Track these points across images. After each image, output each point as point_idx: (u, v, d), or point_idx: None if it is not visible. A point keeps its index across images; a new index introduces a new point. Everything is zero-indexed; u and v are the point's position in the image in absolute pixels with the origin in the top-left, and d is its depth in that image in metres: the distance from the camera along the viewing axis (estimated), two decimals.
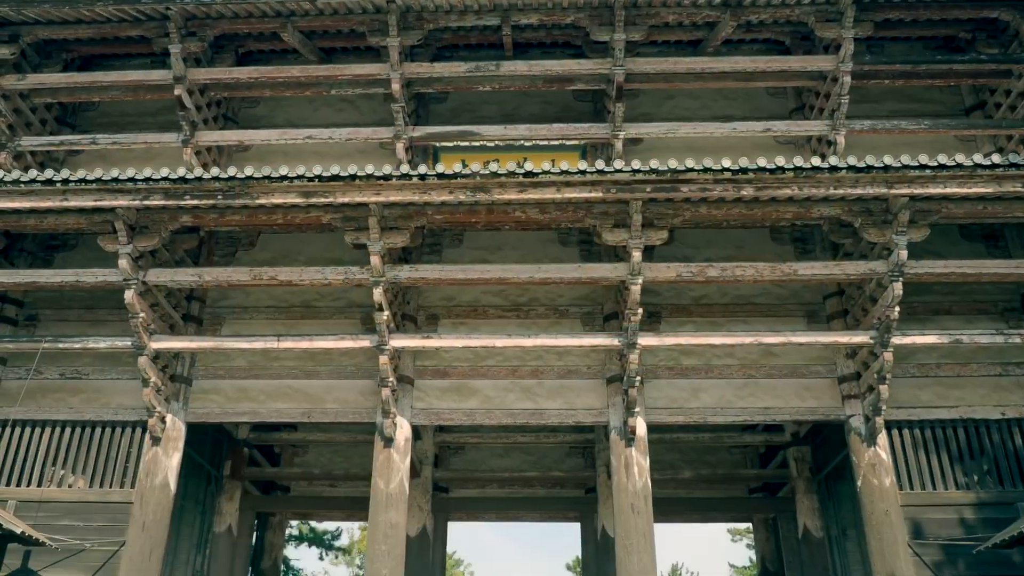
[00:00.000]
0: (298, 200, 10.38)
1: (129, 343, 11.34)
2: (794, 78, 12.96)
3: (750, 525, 31.55)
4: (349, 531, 27.46)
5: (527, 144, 12.93)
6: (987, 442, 11.52)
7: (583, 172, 10.03)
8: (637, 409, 11.33)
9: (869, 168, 9.89)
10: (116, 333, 12.01)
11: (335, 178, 10.15)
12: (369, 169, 10.12)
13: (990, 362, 11.96)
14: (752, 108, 13.85)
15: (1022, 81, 12.46)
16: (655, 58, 12.70)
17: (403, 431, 11.72)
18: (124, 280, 10.96)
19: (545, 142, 12.94)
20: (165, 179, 10.32)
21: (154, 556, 11.33)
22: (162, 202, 10.48)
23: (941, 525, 11.03)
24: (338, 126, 13.29)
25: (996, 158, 9.83)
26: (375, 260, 10.71)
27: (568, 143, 13.03)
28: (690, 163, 9.93)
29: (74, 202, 10.41)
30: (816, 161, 9.92)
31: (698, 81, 12.97)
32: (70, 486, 11.71)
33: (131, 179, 10.34)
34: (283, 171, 10.20)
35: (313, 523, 25.66)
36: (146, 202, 10.49)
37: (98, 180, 10.21)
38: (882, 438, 11.38)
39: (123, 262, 10.83)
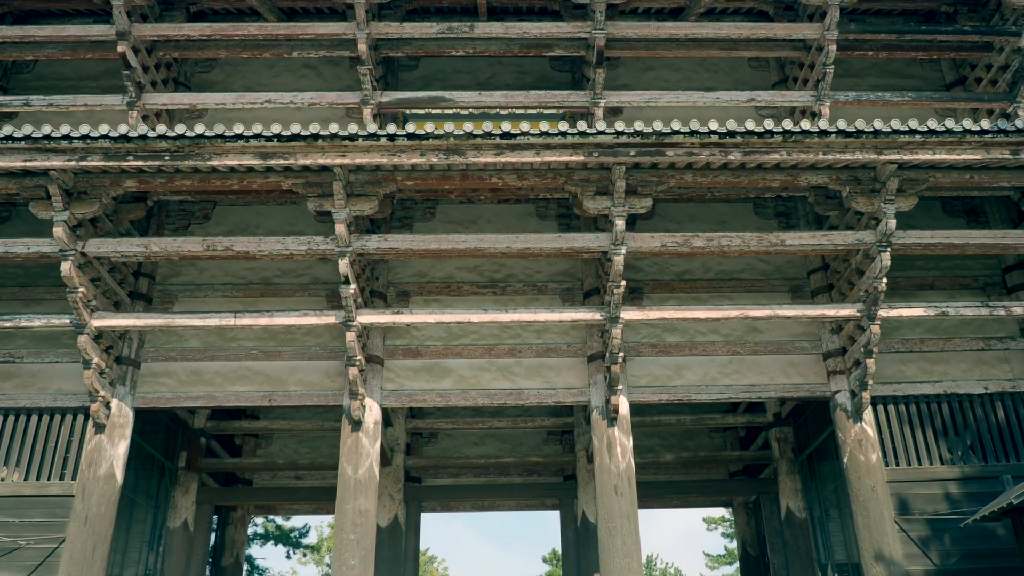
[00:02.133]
0: (255, 162, 9.56)
1: (68, 321, 10.36)
2: (778, 47, 12.58)
3: (726, 513, 31.69)
4: (318, 528, 26.46)
5: (503, 112, 12.29)
6: (971, 416, 11.37)
7: (564, 134, 9.44)
8: (620, 387, 10.81)
9: (859, 133, 9.53)
10: (55, 312, 11.00)
11: (295, 138, 9.36)
12: (333, 128, 9.36)
13: (973, 337, 11.81)
14: (734, 81, 13.46)
15: (1003, 55, 12.31)
16: (636, 22, 12.17)
17: (372, 414, 11.00)
18: (60, 251, 9.98)
19: (522, 110, 12.32)
20: (105, 137, 9.38)
21: (98, 553, 10.40)
22: (102, 163, 9.53)
23: (927, 500, 10.83)
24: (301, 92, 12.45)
25: (985, 124, 9.57)
26: (340, 229, 9.95)
27: (546, 112, 12.42)
28: (676, 126, 9.43)
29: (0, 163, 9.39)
30: (805, 125, 9.52)
31: (680, 49, 12.49)
32: (2, 479, 10.67)
33: (66, 137, 9.36)
34: (238, 130, 9.37)
35: (279, 520, 24.58)
36: (83, 163, 9.52)
37: (28, 138, 9.21)
38: (867, 414, 11.11)
39: (58, 230, 9.84)
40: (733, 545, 30.65)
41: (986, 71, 12.66)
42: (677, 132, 9.43)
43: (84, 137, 9.41)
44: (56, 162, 9.52)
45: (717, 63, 13.42)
